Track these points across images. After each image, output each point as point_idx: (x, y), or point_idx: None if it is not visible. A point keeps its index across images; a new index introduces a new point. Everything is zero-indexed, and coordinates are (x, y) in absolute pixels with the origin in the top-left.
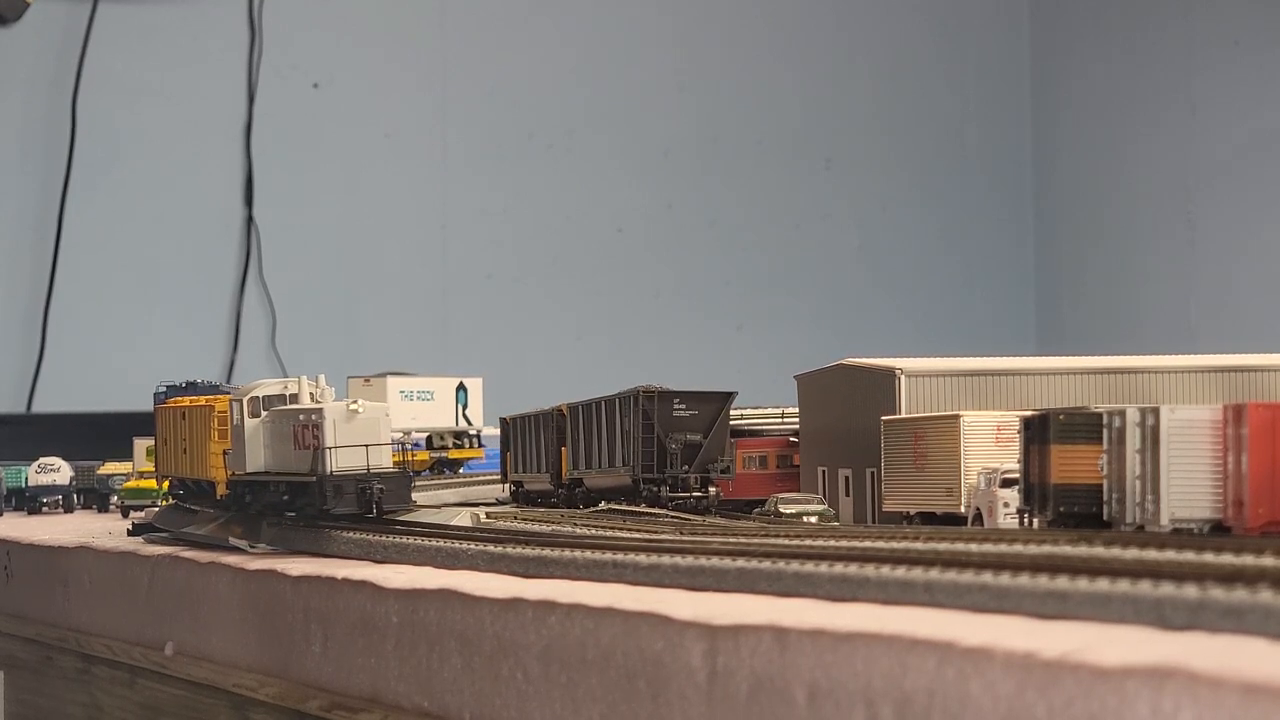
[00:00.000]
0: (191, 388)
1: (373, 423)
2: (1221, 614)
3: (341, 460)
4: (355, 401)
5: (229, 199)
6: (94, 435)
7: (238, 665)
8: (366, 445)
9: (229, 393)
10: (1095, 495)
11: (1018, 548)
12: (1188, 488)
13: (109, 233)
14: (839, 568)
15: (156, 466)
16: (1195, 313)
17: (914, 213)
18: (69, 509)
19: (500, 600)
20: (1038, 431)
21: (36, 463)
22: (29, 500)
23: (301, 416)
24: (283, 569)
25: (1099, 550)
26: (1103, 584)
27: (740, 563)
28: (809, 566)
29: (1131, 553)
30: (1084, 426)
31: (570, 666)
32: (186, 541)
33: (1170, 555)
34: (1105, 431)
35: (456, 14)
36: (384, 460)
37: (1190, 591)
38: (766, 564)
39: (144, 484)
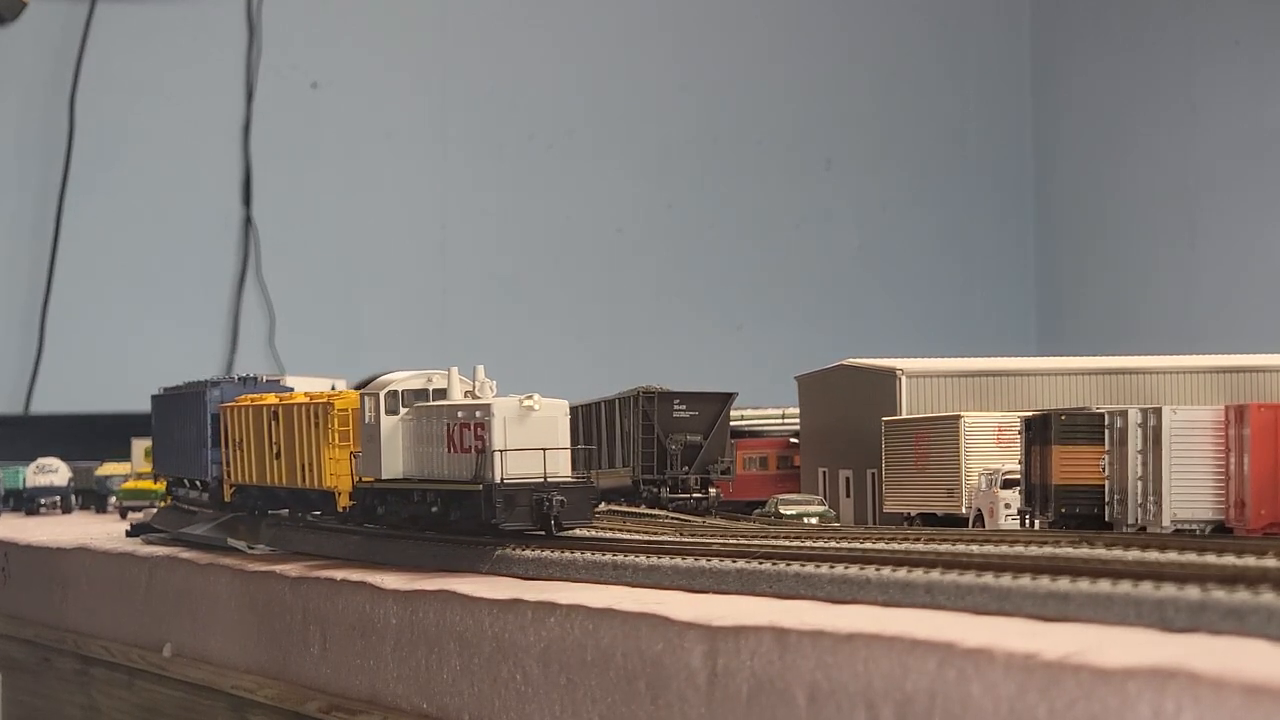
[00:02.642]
0: (248, 383)
1: (549, 422)
2: (1223, 615)
3: (511, 466)
4: (530, 397)
5: (227, 199)
6: (92, 436)
7: (236, 667)
8: (543, 449)
9: (289, 389)
10: (1097, 496)
11: (1019, 549)
12: (1189, 488)
13: (107, 233)
14: (840, 569)
15: (155, 467)
16: (1196, 313)
17: (914, 213)
18: (67, 510)
19: (499, 601)
20: (1039, 432)
21: (34, 463)
22: (27, 501)
23: (461, 414)
24: (281, 570)
25: (1100, 551)
26: (1104, 585)
27: (741, 564)
28: (810, 568)
29: (1133, 554)
30: (1085, 427)
31: (570, 668)
32: (185, 542)
33: (1172, 556)
34: (1107, 432)
35: (456, 14)
36: (562, 467)
37: (1192, 593)
38: (767, 565)
39: (142, 485)
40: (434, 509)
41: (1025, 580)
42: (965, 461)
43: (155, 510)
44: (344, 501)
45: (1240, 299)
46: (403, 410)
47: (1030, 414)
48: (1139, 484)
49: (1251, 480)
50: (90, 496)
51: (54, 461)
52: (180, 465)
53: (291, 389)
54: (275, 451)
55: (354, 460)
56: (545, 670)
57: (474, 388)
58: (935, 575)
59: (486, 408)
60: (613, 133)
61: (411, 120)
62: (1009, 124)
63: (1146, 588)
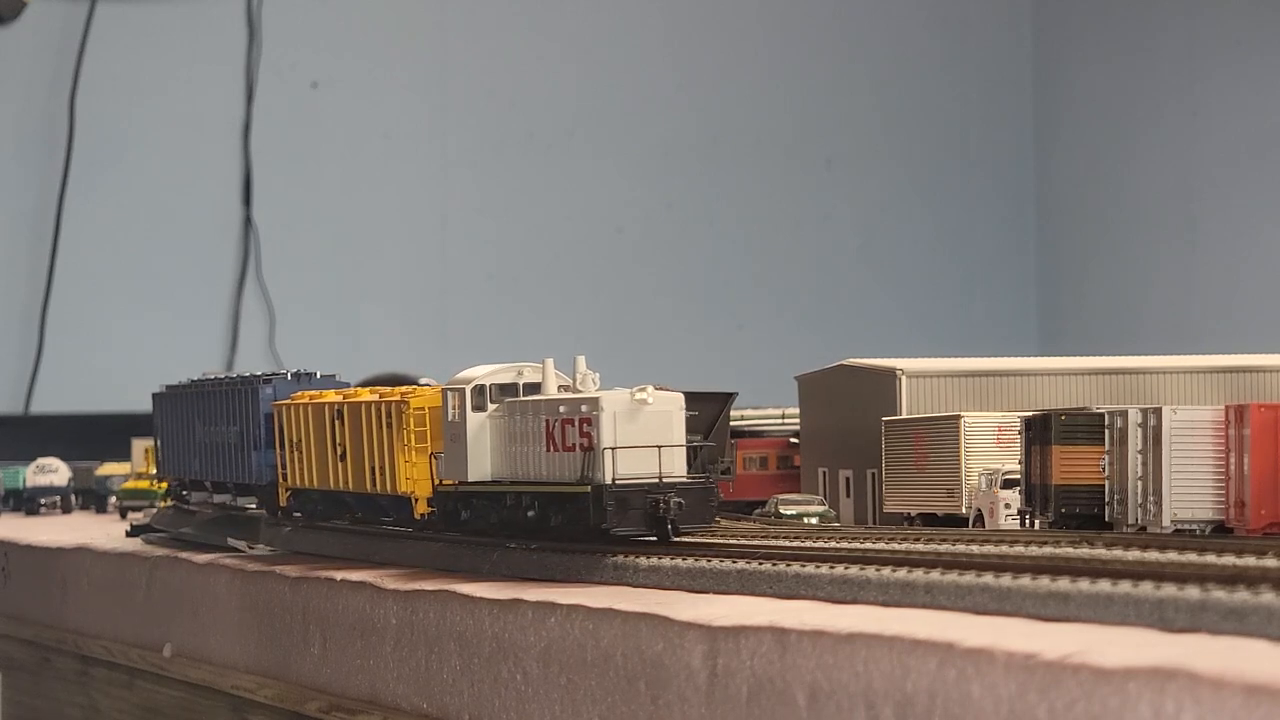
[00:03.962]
0: (302, 379)
1: (664, 417)
2: (1223, 615)
3: (622, 465)
4: (642, 389)
5: (227, 199)
6: (92, 436)
7: (236, 667)
8: (658, 446)
9: (346, 384)
10: (1097, 496)
11: (1019, 549)
12: (1189, 489)
13: (107, 233)
14: (840, 569)
15: (160, 469)
16: (1197, 313)
17: (914, 213)
18: (67, 510)
19: (499, 601)
20: (1039, 432)
21: (34, 463)
22: (27, 501)
23: (564, 409)
24: (281, 570)
25: (1100, 551)
26: (1104, 585)
27: (741, 565)
28: (810, 568)
29: (1133, 554)
30: (1085, 427)
31: (570, 668)
32: (185, 542)
33: (1172, 556)
34: (1107, 432)
35: (456, 14)
36: (678, 466)
37: (1192, 593)
38: (767, 566)
39: (142, 485)
40: (530, 513)
41: (1025, 580)
42: (965, 461)
43: (155, 510)
44: (422, 507)
45: (1241, 299)
46: (491, 406)
47: (1030, 414)
48: (1139, 484)
49: (1252, 480)
50: (90, 496)
51: (54, 461)
52: (210, 468)
53: (346, 384)
54: (340, 453)
55: (434, 462)
56: (545, 670)
57: (574, 380)
58: (935, 575)
59: (594, 401)
60: (612, 133)
61: (411, 120)
62: (1010, 124)
63: (1146, 588)
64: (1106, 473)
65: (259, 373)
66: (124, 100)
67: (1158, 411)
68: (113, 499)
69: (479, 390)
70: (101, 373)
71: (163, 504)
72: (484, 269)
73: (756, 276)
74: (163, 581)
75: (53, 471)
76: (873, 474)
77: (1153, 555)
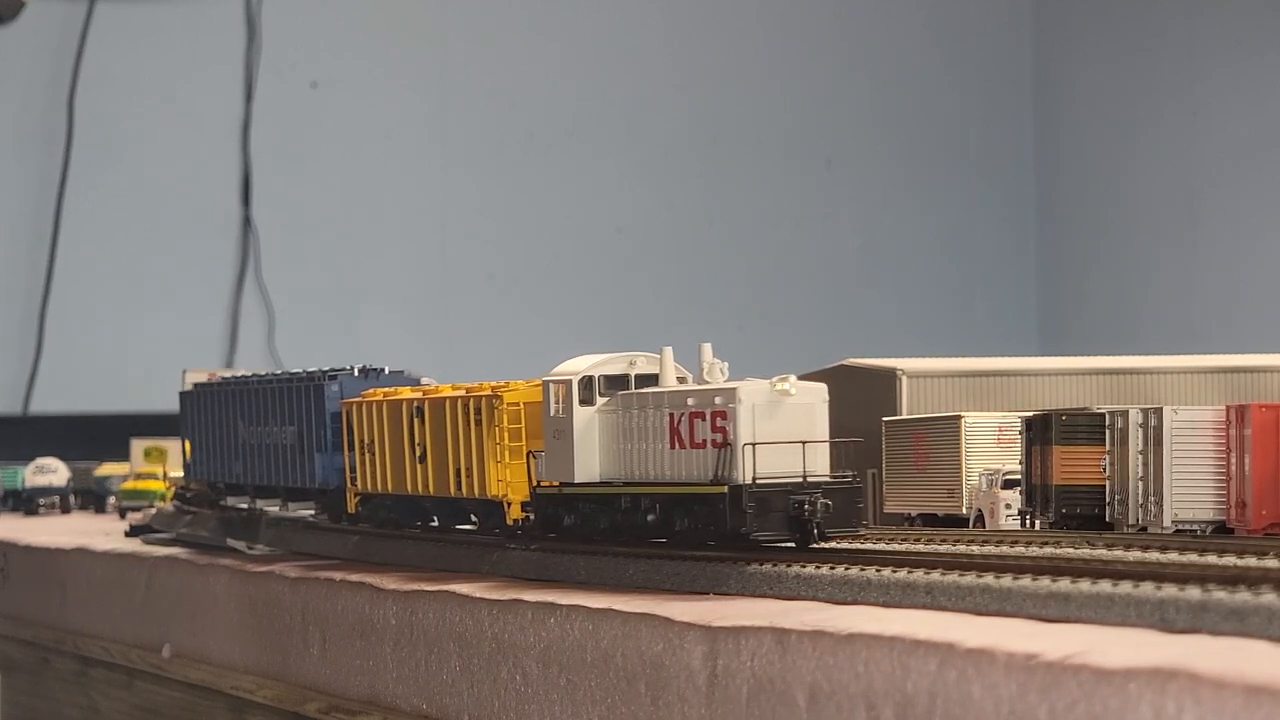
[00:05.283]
0: (370, 376)
1: (806, 410)
2: (1224, 616)
3: (761, 464)
4: (784, 379)
5: (227, 199)
6: (91, 436)
7: (235, 667)
8: (802, 442)
9: (416, 380)
10: (1098, 496)
11: (1020, 549)
12: (1190, 489)
13: (106, 233)
14: (840, 570)
15: (189, 471)
16: (1198, 313)
17: (914, 213)
18: (66, 510)
19: (499, 601)
20: (1040, 432)
21: (33, 463)
22: (26, 501)
23: (693, 401)
24: (281, 570)
25: (1101, 552)
26: (1105, 586)
27: (740, 566)
28: (810, 569)
29: (1134, 554)
30: (1086, 427)
31: (569, 668)
32: (184, 542)
33: (1173, 557)
34: (1108, 432)
35: (456, 14)
36: (821, 463)
37: (1193, 593)
38: (767, 567)
39: (142, 485)
40: (650, 517)
41: (1026, 581)
42: (966, 462)
43: (154, 511)
44: (516, 512)
45: (1241, 299)
46: (600, 400)
47: (1031, 414)
48: (1140, 484)
49: (1252, 480)
50: (89, 497)
51: (53, 462)
52: (257, 471)
53: (417, 380)
54: (419, 454)
55: (533, 462)
56: (545, 671)
57: (701, 370)
58: (936, 576)
59: (730, 393)
60: (613, 133)
61: (411, 120)
62: (1010, 124)
63: (1147, 588)
64: (1107, 473)
65: (323, 369)
66: (123, 100)
67: (1158, 412)
68: (112, 499)
69: (587, 382)
70: (100, 373)
71: (161, 503)
72: (484, 269)
73: (756, 277)
74: (162, 582)
75: (52, 472)
76: (873, 474)
77: (1153, 556)
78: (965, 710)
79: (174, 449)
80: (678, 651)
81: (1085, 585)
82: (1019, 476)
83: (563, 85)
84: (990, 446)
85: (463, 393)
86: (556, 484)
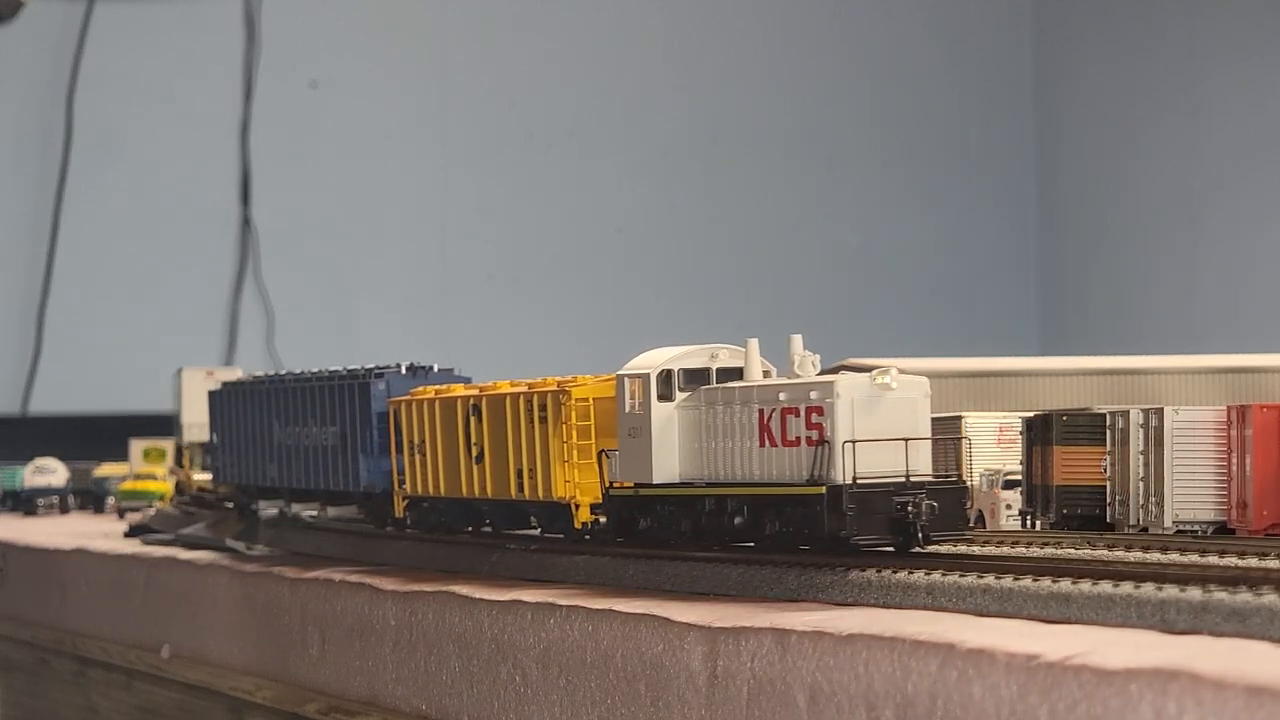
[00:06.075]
0: (418, 373)
1: (908, 405)
2: (1225, 617)
3: (861, 462)
4: (885, 372)
5: (226, 199)
6: (90, 436)
7: (234, 668)
8: (904, 439)
9: (467, 380)
10: (1098, 497)
11: (1020, 550)
12: (1191, 489)
13: (105, 233)
14: (841, 571)
15: (218, 474)
16: (1198, 313)
17: (914, 213)
18: (65, 510)
19: (499, 602)
20: (1040, 433)
21: (32, 464)
22: (25, 501)
23: (785, 396)
24: (280, 571)
25: (1102, 553)
26: (1106, 587)
27: (740, 568)
28: (810, 570)
29: (1135, 555)
30: (1087, 428)
31: (569, 669)
32: (184, 543)
33: (1174, 557)
34: (1108, 433)
35: (456, 14)
36: (923, 462)
37: (1194, 594)
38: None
39: (141, 485)
40: (737, 520)
41: (1027, 581)
42: (966, 462)
43: (154, 511)
44: (585, 515)
45: (1242, 300)
46: (680, 395)
47: (1031, 414)
48: (1140, 485)
49: (1254, 481)
50: (88, 497)
51: (52, 462)
52: (294, 474)
53: (467, 379)
54: (476, 454)
55: (605, 461)
56: (545, 671)
57: (793, 363)
58: (936, 577)
59: (827, 387)
60: (613, 133)
61: (411, 120)
62: (1010, 124)
63: (1148, 589)
64: (1108, 473)
65: (366, 366)
66: (122, 100)
67: (1159, 412)
68: (111, 499)
69: (665, 377)
70: (99, 373)
71: (160, 503)
72: (484, 269)
73: (756, 277)
74: (161, 582)
75: (51, 472)
76: None
77: (1154, 556)
78: (966, 711)
79: (173, 448)
80: (678, 652)
81: (1086, 586)
82: (1019, 477)
83: (563, 85)
84: (991, 447)
85: (525, 389)
86: (631, 485)
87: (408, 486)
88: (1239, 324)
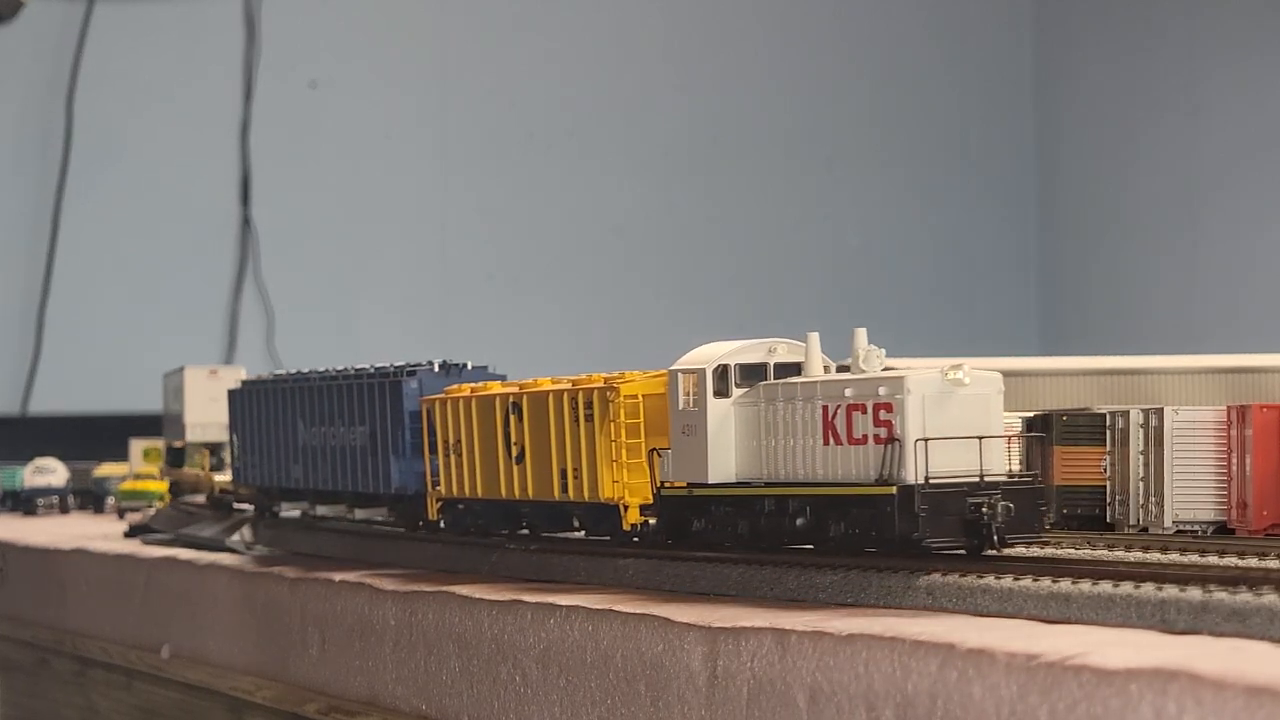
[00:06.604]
0: (452, 371)
1: (981, 401)
2: (1225, 617)
3: (933, 461)
4: (957, 367)
5: (226, 199)
6: (90, 436)
7: (234, 668)
8: (979, 437)
9: (502, 378)
10: (1098, 497)
11: (1021, 550)
12: (1191, 489)
13: (105, 233)
14: (840, 573)
15: (239, 475)
16: (1198, 313)
17: (914, 213)
18: (65, 510)
19: (499, 602)
20: (1040, 432)
21: (32, 464)
22: (24, 501)
23: (850, 392)
24: (280, 571)
25: (1102, 552)
26: (1106, 586)
27: (740, 569)
28: (809, 571)
29: (1135, 555)
30: (1087, 427)
31: (569, 669)
32: (184, 543)
33: (1174, 557)
34: (1108, 433)
35: (456, 14)
36: (998, 461)
37: (1194, 594)
38: (768, 569)
39: (141, 485)
40: (800, 522)
41: (1026, 581)
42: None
43: (153, 511)
44: (634, 516)
45: (1242, 299)
46: (736, 391)
47: (1032, 414)
48: (1140, 485)
49: (1254, 481)
50: (88, 497)
51: (51, 462)
52: (320, 475)
53: (502, 376)
54: (517, 454)
55: (656, 460)
56: (545, 672)
57: (857, 357)
58: (936, 577)
59: (897, 382)
60: (612, 133)
61: (411, 120)
62: (1010, 124)
63: (1148, 589)
64: (1108, 473)
65: (398, 364)
66: (122, 100)
67: (1159, 412)
68: (111, 499)
69: (721, 372)
70: (99, 373)
71: (160, 503)
72: (484, 269)
73: (756, 277)
74: (161, 582)
75: (50, 472)
76: None
77: (1154, 556)
78: (966, 711)
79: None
80: (678, 652)
81: (1086, 586)
82: None
83: (563, 85)
84: None
85: (568, 385)
86: (684, 485)
87: (442, 488)
88: (1239, 324)
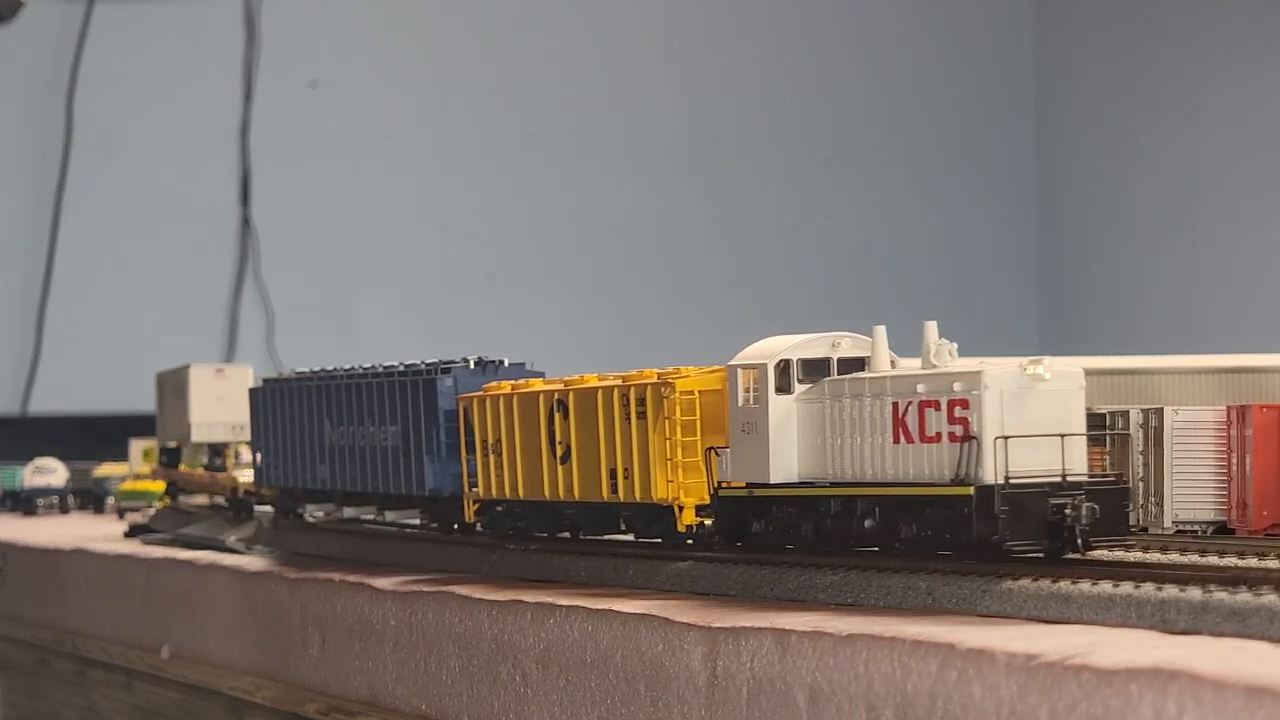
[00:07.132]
0: (488, 368)
1: (1061, 397)
2: (1225, 617)
3: (1013, 461)
4: (1037, 362)
5: (226, 199)
6: (90, 436)
7: (234, 668)
8: (1061, 435)
9: (540, 375)
10: None
11: (1103, 553)
12: (1191, 489)
13: (105, 233)
14: (841, 573)
15: (261, 475)
16: (1198, 313)
17: (914, 213)
18: (65, 510)
19: (498, 602)
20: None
21: (32, 464)
22: (24, 501)
23: (923, 388)
24: (280, 571)
25: (1102, 552)
26: (1106, 586)
27: (740, 569)
28: (810, 572)
29: (1135, 555)
30: (1087, 428)
31: (569, 669)
32: (183, 543)
33: (1174, 557)
34: (1108, 433)
35: (456, 14)
36: (1078, 460)
37: (1194, 594)
38: (768, 569)
39: (141, 485)
40: (868, 523)
41: (1026, 582)
42: None
43: (153, 511)
44: (689, 517)
45: (1242, 299)
46: (799, 387)
47: None
48: (1140, 484)
49: (1254, 481)
50: (88, 497)
51: (51, 462)
52: (348, 476)
53: (540, 374)
54: (562, 454)
55: (713, 459)
56: (544, 672)
57: (928, 352)
58: (937, 577)
59: (974, 377)
60: (613, 133)
61: (411, 120)
62: (1010, 124)
63: (1148, 589)
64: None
65: (431, 361)
66: (122, 100)
67: (1159, 412)
68: (111, 499)
69: (783, 367)
70: (99, 373)
71: (160, 503)
72: (484, 269)
73: (756, 277)
74: (161, 582)
75: (50, 472)
76: None
77: (1154, 556)
78: (966, 711)
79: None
80: (677, 652)
81: (1086, 585)
82: None
83: (563, 85)
84: None
85: (619, 382)
86: (743, 485)
87: (479, 489)
88: (1239, 324)
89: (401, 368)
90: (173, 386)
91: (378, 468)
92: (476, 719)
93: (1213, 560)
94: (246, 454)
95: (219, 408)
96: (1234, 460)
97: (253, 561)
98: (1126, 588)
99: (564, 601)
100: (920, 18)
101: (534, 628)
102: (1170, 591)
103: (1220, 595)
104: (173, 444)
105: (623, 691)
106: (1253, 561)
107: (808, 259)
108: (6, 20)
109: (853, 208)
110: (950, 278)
